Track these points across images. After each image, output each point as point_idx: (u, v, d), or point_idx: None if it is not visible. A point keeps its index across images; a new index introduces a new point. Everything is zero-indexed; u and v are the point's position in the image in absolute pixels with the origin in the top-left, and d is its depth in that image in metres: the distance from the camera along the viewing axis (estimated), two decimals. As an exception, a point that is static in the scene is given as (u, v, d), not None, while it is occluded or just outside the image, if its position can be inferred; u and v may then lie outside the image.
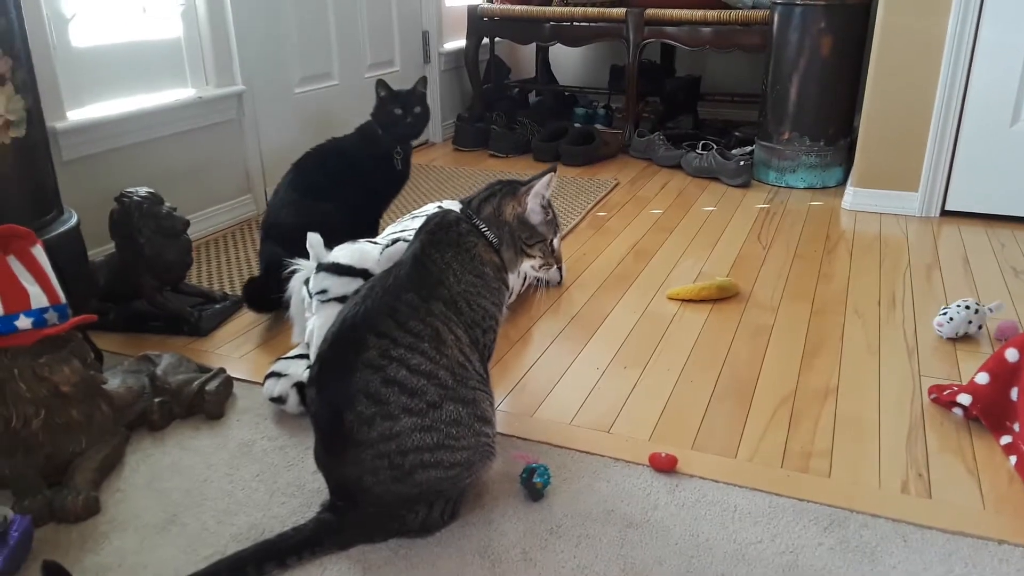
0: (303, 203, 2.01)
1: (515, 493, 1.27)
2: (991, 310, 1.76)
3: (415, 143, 2.22)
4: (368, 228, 2.15)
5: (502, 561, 1.13)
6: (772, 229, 2.50)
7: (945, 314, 1.76)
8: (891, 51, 2.51)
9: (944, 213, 2.60)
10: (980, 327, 1.76)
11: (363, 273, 1.50)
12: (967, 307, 1.74)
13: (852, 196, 2.69)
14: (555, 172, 1.27)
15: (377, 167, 2.13)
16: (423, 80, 2.16)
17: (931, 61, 2.46)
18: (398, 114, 2.10)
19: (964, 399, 1.44)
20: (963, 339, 1.76)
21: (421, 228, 1.26)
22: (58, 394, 1.25)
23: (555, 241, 1.30)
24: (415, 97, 2.12)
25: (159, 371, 1.51)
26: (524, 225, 1.26)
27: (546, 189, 1.26)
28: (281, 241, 1.93)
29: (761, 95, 3.02)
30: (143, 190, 1.77)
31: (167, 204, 1.80)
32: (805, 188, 2.93)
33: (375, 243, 1.59)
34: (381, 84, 2.11)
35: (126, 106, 2.21)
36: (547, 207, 1.28)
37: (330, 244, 1.64)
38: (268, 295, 1.89)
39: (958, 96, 2.46)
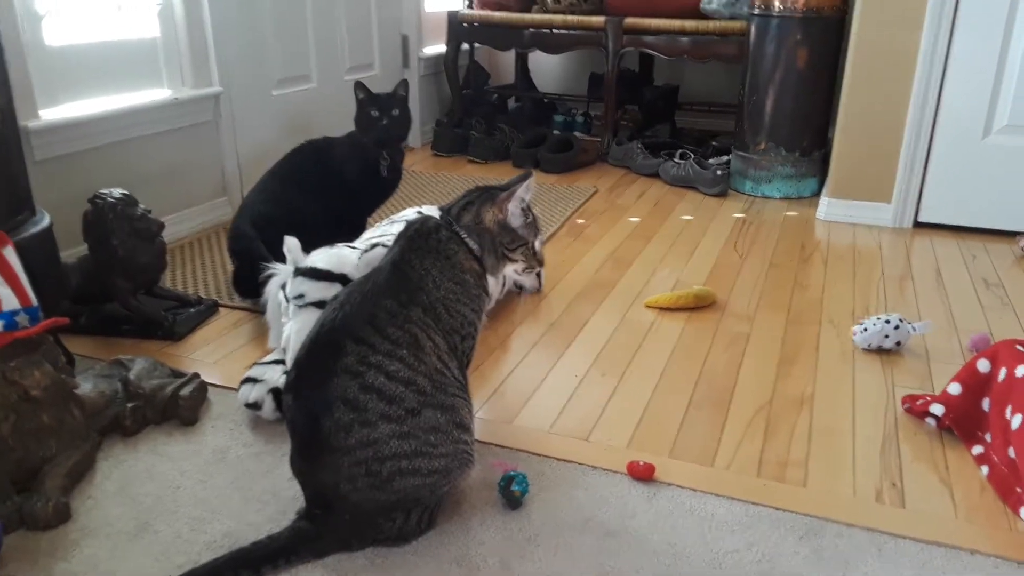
0: (282, 194, 2.04)
1: (493, 501, 1.26)
2: (915, 329, 1.75)
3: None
4: (351, 231, 2.15)
5: (480, 570, 1.13)
6: (748, 238, 2.53)
7: (862, 324, 1.78)
8: (865, 64, 2.55)
9: (917, 225, 2.64)
10: (899, 343, 1.75)
11: (341, 278, 1.49)
12: (886, 321, 1.74)
13: (826, 207, 2.73)
14: (533, 176, 1.27)
15: (362, 172, 2.12)
16: (403, 83, 2.15)
17: (904, 74, 2.50)
18: (375, 116, 2.09)
19: (937, 409, 1.46)
20: (937, 350, 1.79)
21: (401, 234, 1.26)
22: (28, 398, 1.23)
23: (536, 243, 1.30)
24: (394, 100, 2.12)
25: (132, 376, 1.49)
26: (505, 230, 1.26)
27: (526, 193, 1.26)
28: (255, 226, 1.97)
29: (738, 105, 3.05)
30: (117, 191, 1.75)
31: (142, 206, 1.78)
32: (780, 198, 2.96)
33: (353, 248, 1.59)
34: (359, 86, 2.10)
35: (100, 106, 2.18)
36: (527, 211, 1.28)
37: (306, 241, 1.63)
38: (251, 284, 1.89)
39: (931, 109, 2.50)
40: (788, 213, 2.80)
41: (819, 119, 2.93)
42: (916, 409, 1.51)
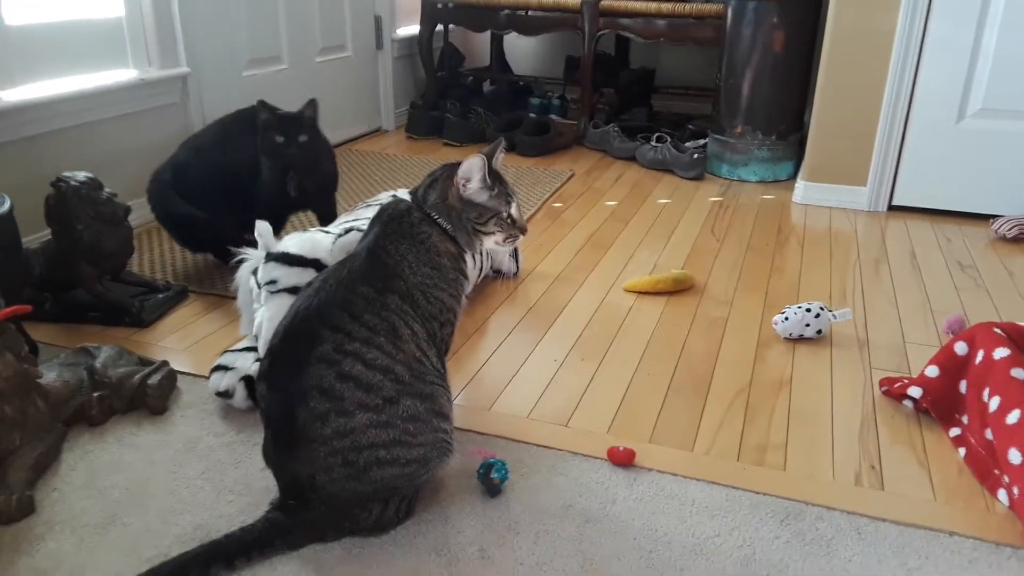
0: (217, 147, 2.00)
1: (472, 489, 1.24)
2: (835, 316, 1.74)
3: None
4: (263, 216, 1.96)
5: (459, 559, 1.11)
6: (725, 222, 2.52)
7: (783, 313, 1.76)
8: (842, 47, 2.54)
9: (891, 208, 2.65)
10: (820, 331, 1.74)
11: (314, 263, 1.46)
12: (807, 310, 1.73)
13: (803, 190, 2.73)
14: (501, 146, 1.24)
15: (266, 188, 1.96)
16: (312, 104, 1.93)
17: (880, 58, 2.50)
18: (279, 142, 1.87)
19: (914, 392, 1.46)
20: (913, 332, 1.79)
21: (375, 219, 1.23)
22: (-11, 389, 1.19)
23: (513, 211, 1.26)
24: (301, 123, 1.90)
25: (98, 364, 1.44)
26: (470, 205, 1.22)
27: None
28: (175, 174, 1.96)
29: (715, 89, 3.03)
30: (81, 174, 1.69)
31: (107, 190, 1.72)
32: (757, 181, 2.96)
33: (327, 232, 1.55)
34: (263, 106, 1.89)
35: (64, 87, 2.11)
36: (493, 182, 1.23)
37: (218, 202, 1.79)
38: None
39: (906, 93, 2.50)
40: (765, 196, 2.79)
41: (796, 102, 2.93)
42: (894, 392, 1.51)
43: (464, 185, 1.21)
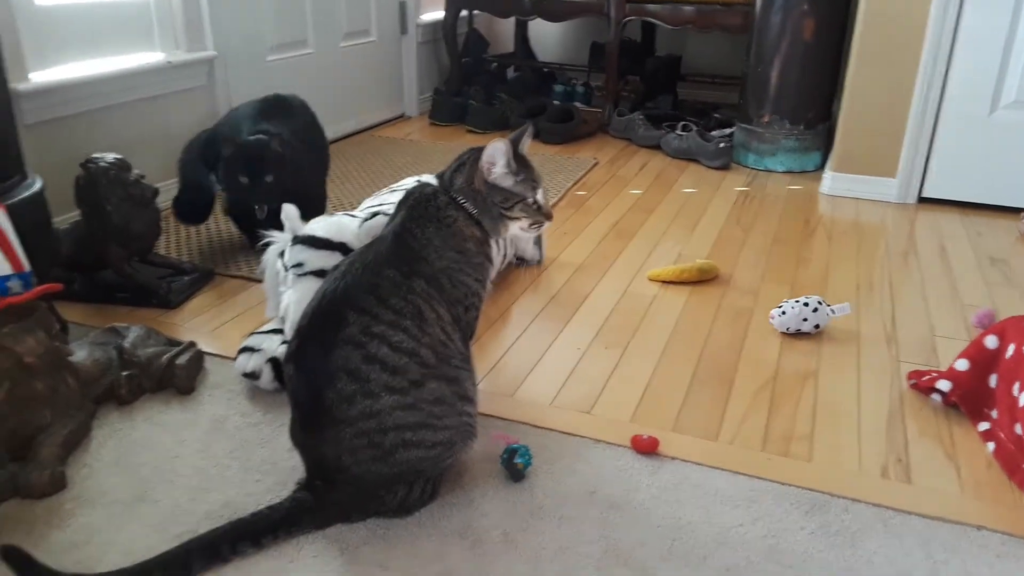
0: (239, 123, 1.99)
1: (496, 474, 1.25)
2: (833, 311, 1.70)
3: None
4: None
5: (483, 542, 1.11)
6: (751, 212, 2.50)
7: (780, 307, 1.73)
8: (873, 36, 2.51)
9: (921, 200, 2.61)
10: (818, 326, 1.70)
11: (340, 247, 1.46)
12: (805, 304, 1.70)
13: (830, 181, 2.70)
14: (527, 132, 1.25)
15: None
16: (279, 137, 1.83)
17: (913, 47, 2.46)
18: (243, 183, 1.81)
19: (943, 385, 1.45)
20: (942, 325, 1.77)
21: (401, 203, 1.23)
22: (22, 366, 1.20)
23: (539, 197, 1.26)
24: (265, 162, 1.79)
25: (127, 344, 1.46)
26: (496, 189, 1.22)
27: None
28: (204, 144, 1.98)
29: (742, 77, 3.00)
30: (110, 156, 1.71)
31: (135, 171, 1.74)
32: (784, 172, 2.93)
33: (353, 216, 1.55)
34: (228, 142, 1.81)
35: (92, 68, 2.13)
36: (518, 167, 1.22)
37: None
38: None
39: (938, 84, 2.46)
40: (791, 187, 2.76)
41: (825, 91, 2.89)
42: (922, 385, 1.50)
43: (489, 169, 1.21)
